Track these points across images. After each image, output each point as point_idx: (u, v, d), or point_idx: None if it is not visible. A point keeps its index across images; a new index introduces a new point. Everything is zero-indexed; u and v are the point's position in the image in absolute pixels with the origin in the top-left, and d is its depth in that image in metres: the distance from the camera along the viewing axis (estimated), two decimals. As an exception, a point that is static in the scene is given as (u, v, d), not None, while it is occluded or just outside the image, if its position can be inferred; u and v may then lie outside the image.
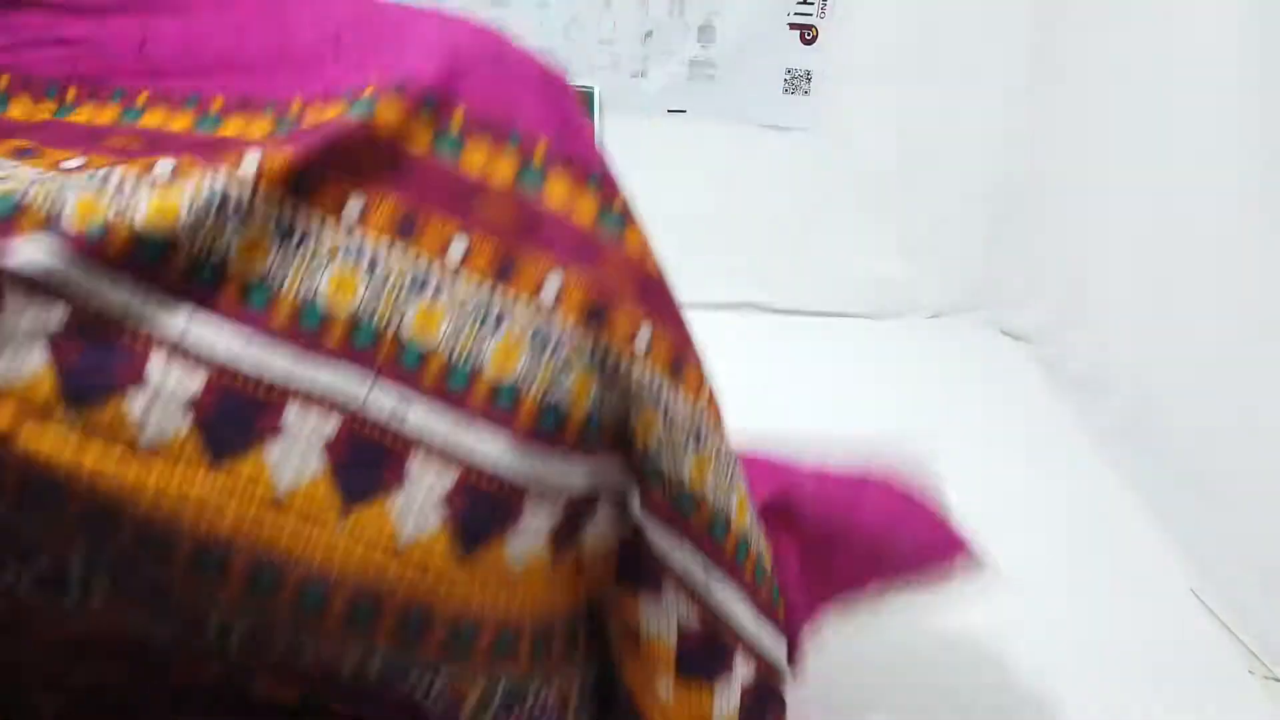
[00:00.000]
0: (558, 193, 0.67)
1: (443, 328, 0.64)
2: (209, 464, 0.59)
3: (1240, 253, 1.33)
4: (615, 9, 1.70)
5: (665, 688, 0.76)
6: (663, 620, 0.76)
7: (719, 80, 1.78)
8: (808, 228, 1.94)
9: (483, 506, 0.65)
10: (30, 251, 0.55)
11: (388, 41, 0.71)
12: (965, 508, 1.39)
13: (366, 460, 0.62)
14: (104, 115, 0.71)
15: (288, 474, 0.60)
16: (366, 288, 0.63)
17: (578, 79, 1.91)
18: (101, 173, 0.59)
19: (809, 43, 1.76)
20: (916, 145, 1.88)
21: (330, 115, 0.64)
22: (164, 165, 0.59)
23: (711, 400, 0.75)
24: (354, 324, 0.62)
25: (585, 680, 0.79)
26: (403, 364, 0.63)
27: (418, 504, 0.63)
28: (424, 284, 0.64)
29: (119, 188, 0.58)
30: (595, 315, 0.67)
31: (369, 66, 0.68)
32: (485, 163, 0.66)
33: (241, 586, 0.61)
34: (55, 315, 0.56)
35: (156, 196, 0.58)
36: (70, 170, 0.62)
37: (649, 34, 1.72)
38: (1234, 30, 1.36)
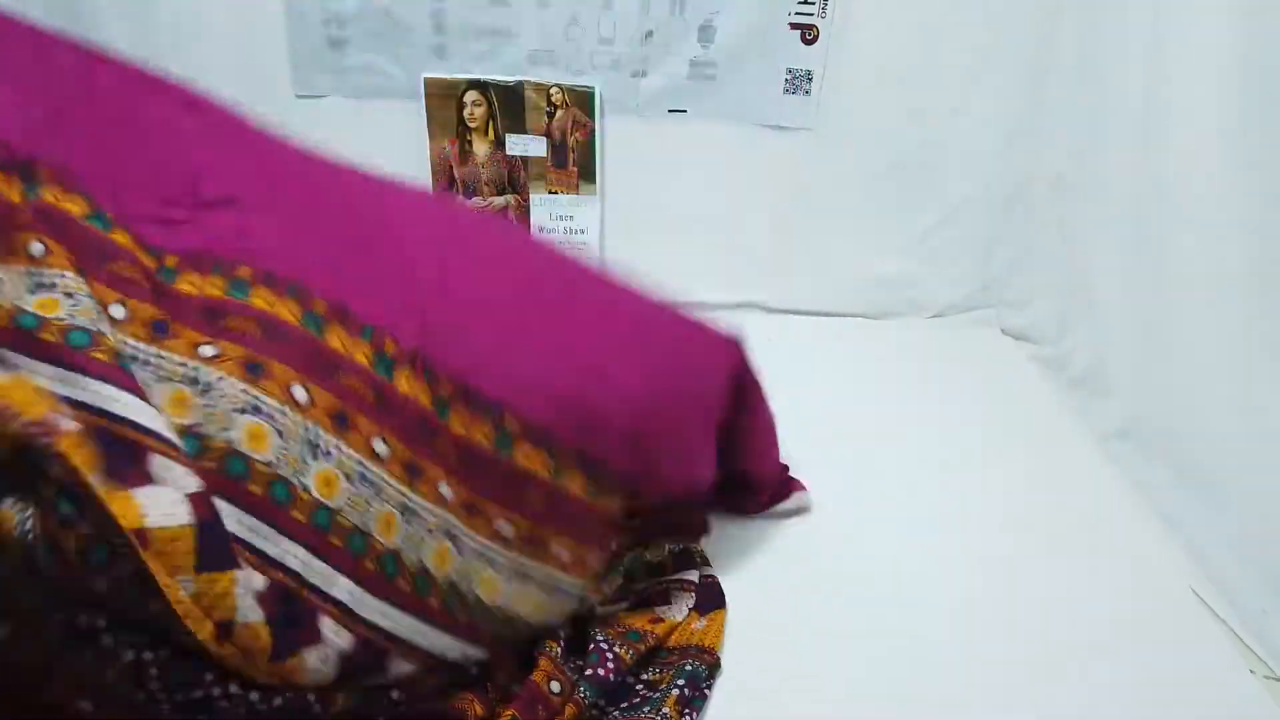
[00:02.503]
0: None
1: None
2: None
3: (1240, 253, 1.33)
4: (615, 9, 1.70)
5: None
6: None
7: (719, 80, 1.77)
8: (808, 228, 1.94)
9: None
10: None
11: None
12: (965, 507, 1.40)
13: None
14: (210, 287, 0.87)
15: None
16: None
17: (578, 79, 1.91)
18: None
19: (810, 43, 1.76)
20: (917, 145, 1.88)
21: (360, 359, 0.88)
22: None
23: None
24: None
25: None
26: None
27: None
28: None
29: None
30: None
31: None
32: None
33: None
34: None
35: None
36: (209, 360, 0.83)
37: (649, 34, 1.72)
38: (1234, 29, 1.36)
